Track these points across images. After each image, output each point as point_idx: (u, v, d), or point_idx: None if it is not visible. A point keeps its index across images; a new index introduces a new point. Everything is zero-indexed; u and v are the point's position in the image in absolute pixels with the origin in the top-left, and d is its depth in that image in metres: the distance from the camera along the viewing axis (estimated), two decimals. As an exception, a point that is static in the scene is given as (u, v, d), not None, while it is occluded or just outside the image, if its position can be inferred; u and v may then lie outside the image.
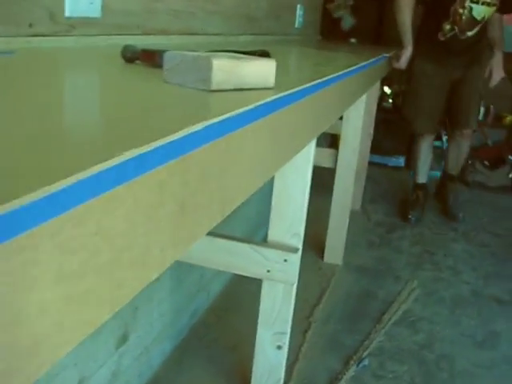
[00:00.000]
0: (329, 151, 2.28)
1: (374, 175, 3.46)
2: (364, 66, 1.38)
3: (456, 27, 2.58)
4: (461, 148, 3.00)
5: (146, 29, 1.31)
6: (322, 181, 2.25)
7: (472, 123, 2.91)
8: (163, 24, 1.38)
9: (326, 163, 2.30)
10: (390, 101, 3.79)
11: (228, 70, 0.59)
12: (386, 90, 3.75)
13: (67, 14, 1.01)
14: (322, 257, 2.42)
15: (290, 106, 0.67)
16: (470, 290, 2.25)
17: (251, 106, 0.55)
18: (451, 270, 2.43)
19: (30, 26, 0.93)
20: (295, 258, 1.25)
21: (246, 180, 0.59)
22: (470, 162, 3.51)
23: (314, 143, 1.20)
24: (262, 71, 0.64)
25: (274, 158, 0.68)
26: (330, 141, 3.33)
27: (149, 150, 0.38)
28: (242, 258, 1.28)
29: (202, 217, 0.49)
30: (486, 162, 3.62)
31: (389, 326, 1.95)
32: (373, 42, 3.67)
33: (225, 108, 0.53)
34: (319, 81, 0.89)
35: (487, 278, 2.38)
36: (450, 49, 2.66)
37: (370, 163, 3.16)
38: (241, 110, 0.54)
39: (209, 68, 0.58)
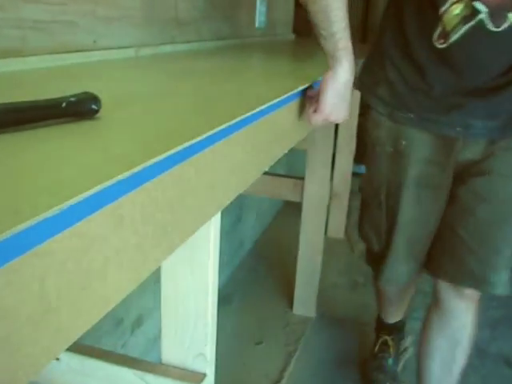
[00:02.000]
0: (293, 182, 1.85)
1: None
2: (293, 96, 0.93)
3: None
4: (456, 333, 1.33)
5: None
6: (294, 209, 1.82)
7: (495, 280, 1.20)
8: (12, 42, 0.95)
9: (291, 196, 1.87)
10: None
11: None
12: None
13: None
14: (292, 307, 1.99)
15: None
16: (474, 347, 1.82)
17: None
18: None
19: None
20: (199, 393, 0.82)
21: None
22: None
23: (217, 219, 0.77)
24: None
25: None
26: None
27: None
28: (125, 388, 0.87)
29: None
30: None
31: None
32: (359, 40, 3.23)
33: None
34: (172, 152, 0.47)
35: (494, 328, 1.94)
36: (461, 71, 1.06)
37: (355, 174, 2.68)
38: None
39: None
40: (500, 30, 0.97)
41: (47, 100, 0.53)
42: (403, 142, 1.16)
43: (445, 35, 1.01)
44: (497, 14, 0.96)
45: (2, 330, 0.32)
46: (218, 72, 1.19)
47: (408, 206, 1.21)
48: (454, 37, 1.00)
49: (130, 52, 1.29)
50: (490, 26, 0.97)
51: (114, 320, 1.38)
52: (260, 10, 2.30)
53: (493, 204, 1.15)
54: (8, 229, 0.31)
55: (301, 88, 0.98)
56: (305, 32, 3.16)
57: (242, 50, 1.80)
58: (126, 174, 0.41)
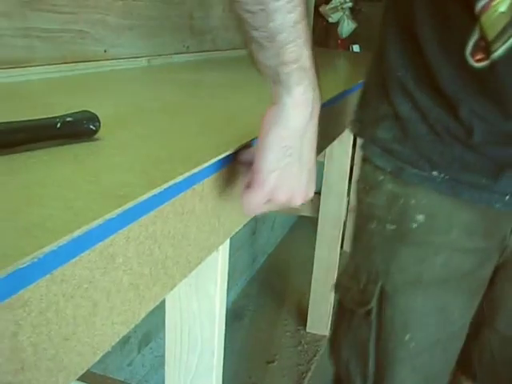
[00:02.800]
0: (308, 196, 1.80)
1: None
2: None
3: None
4: None
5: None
6: (309, 222, 1.75)
7: None
8: (19, 51, 0.92)
9: (307, 211, 1.82)
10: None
11: None
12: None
13: None
14: (305, 325, 1.93)
15: None
16: None
17: None
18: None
19: None
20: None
21: None
22: None
23: (225, 248, 0.72)
24: None
25: None
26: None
27: None
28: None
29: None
30: None
31: None
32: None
33: None
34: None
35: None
36: None
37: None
38: None
39: None
40: None
41: (41, 120, 0.49)
42: (419, 218, 0.73)
43: (485, 47, 0.61)
44: None
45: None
46: (232, 85, 1.14)
47: (425, 322, 0.76)
48: (500, 49, 0.60)
49: (142, 62, 1.25)
50: None
51: (121, 338, 1.34)
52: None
53: None
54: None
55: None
56: (325, 42, 3.12)
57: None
58: (118, 210, 0.36)
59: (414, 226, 0.73)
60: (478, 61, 0.62)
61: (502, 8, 0.58)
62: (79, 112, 0.52)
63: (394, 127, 0.72)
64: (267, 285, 2.28)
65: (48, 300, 0.32)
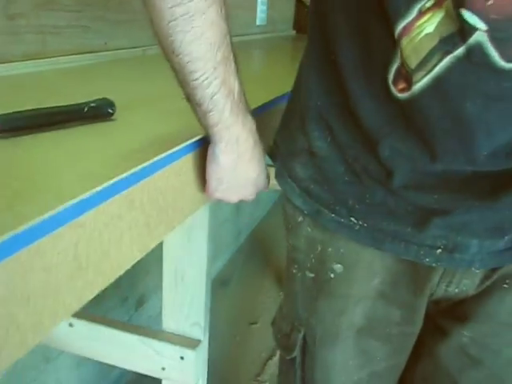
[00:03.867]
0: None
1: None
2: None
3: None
4: None
5: (4, 56, 1.01)
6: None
7: None
8: (32, 46, 1.07)
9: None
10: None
11: None
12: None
13: None
14: (286, 291, 2.12)
15: None
16: None
17: None
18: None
19: None
20: (194, 356, 0.95)
21: None
22: None
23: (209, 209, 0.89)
24: None
25: None
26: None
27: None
28: (132, 352, 1.00)
29: None
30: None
31: None
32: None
33: None
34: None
35: None
36: (441, 144, 0.53)
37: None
38: None
39: None
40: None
41: (72, 105, 0.65)
42: (336, 267, 0.67)
43: (407, 75, 0.51)
44: (507, 37, 0.46)
45: (46, 280, 0.44)
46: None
47: (344, 370, 0.72)
48: (424, 79, 0.50)
49: (139, 52, 1.41)
50: (497, 59, 0.47)
51: (120, 298, 1.51)
52: (261, 7, 2.41)
53: (490, 369, 0.69)
54: (55, 207, 0.43)
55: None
56: (306, 29, 3.26)
57: (242, 49, 1.91)
58: (137, 168, 0.53)
59: (332, 275, 0.67)
60: (401, 90, 0.52)
61: (429, 28, 0.48)
62: (100, 99, 0.68)
63: (310, 164, 0.65)
64: (251, 256, 2.46)
65: (95, 225, 0.49)
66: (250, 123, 0.63)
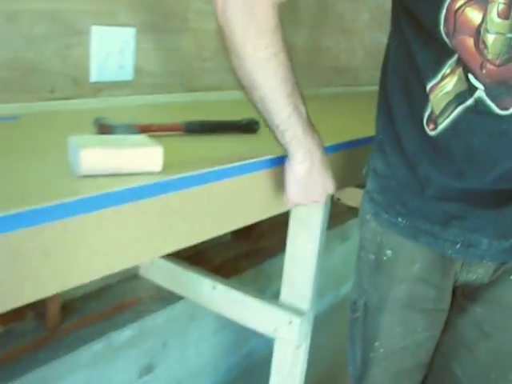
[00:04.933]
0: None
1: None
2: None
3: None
4: None
5: (191, 86, 1.41)
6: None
7: None
8: (214, 80, 1.47)
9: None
10: None
11: (100, 157, 0.66)
12: None
13: (93, 79, 1.14)
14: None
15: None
16: None
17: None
18: None
19: (52, 91, 1.08)
20: (299, 322, 1.23)
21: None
22: None
23: (326, 207, 1.18)
24: (144, 157, 0.69)
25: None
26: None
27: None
28: (253, 313, 1.31)
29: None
30: None
31: None
32: None
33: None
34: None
35: None
36: (460, 168, 0.81)
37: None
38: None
39: (78, 156, 0.65)
40: (509, 113, 0.73)
41: (231, 120, 1.01)
42: (388, 252, 0.92)
43: (434, 119, 0.78)
44: (497, 94, 0.73)
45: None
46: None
47: (390, 334, 0.96)
48: (444, 122, 0.77)
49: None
50: (494, 108, 0.73)
51: (258, 289, 1.83)
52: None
53: (497, 342, 0.92)
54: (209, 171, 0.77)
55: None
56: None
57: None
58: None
59: (385, 258, 0.93)
60: (431, 129, 0.80)
61: (448, 88, 0.75)
62: (249, 118, 1.03)
63: (374, 179, 0.93)
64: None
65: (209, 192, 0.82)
66: (317, 138, 0.86)
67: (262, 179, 0.91)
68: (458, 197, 0.82)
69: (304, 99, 0.81)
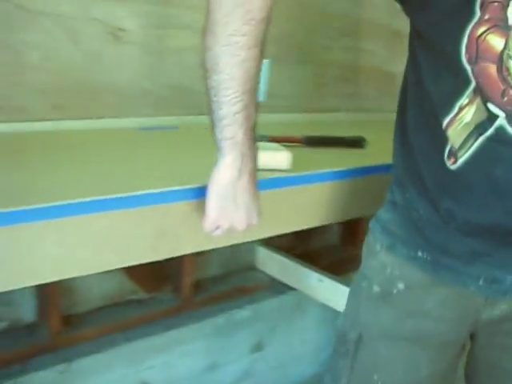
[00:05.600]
0: None
1: None
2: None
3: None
4: None
5: (313, 107, 1.67)
6: None
7: None
8: (332, 104, 1.71)
9: None
10: None
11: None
12: None
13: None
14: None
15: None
16: None
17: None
18: None
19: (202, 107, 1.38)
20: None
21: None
22: None
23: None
24: (278, 158, 0.98)
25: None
26: None
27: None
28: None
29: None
30: None
31: None
32: None
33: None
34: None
35: None
36: (483, 202, 0.77)
37: None
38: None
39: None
40: None
41: (341, 136, 1.24)
42: (400, 286, 0.87)
43: (454, 152, 0.75)
44: None
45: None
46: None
47: (391, 367, 0.90)
48: (465, 154, 0.73)
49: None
50: None
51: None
52: None
53: None
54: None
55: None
56: None
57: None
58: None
59: (395, 291, 0.87)
60: (452, 164, 0.75)
61: (467, 119, 0.71)
62: (358, 136, 1.25)
63: (393, 211, 0.88)
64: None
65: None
66: (256, 152, 0.80)
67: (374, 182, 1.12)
68: (482, 233, 0.78)
69: (257, 109, 0.77)
